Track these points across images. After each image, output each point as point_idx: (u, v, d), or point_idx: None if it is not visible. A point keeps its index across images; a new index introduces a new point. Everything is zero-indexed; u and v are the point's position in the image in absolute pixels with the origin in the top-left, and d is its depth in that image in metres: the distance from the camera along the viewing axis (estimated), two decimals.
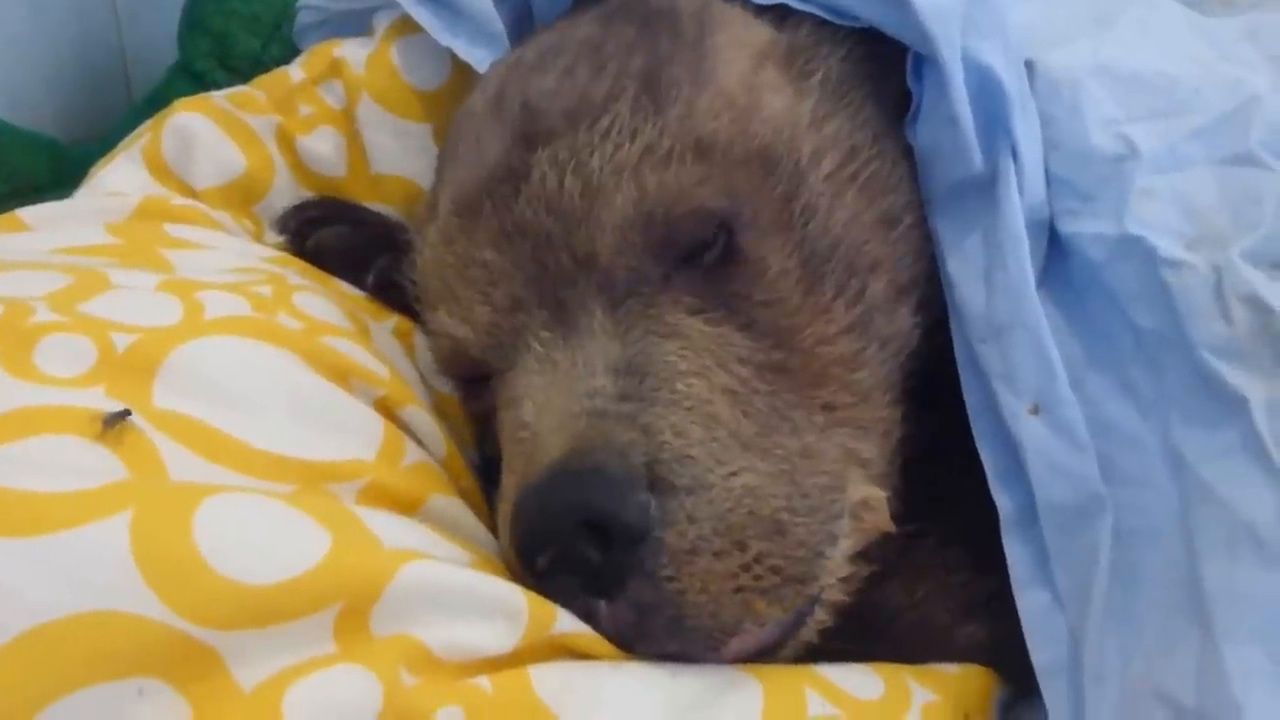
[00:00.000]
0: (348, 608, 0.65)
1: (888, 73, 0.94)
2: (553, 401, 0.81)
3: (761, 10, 0.97)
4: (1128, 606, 0.76)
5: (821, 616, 0.81)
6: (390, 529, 0.71)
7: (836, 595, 0.82)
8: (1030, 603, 0.81)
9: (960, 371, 0.87)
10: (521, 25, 1.15)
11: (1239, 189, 0.83)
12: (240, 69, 1.49)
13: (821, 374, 0.85)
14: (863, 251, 0.88)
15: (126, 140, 1.17)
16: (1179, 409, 0.78)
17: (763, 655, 0.78)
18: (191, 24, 1.55)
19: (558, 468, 0.76)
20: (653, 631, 0.74)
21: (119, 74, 1.76)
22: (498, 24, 1.15)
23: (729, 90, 0.88)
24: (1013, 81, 0.89)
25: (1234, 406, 0.75)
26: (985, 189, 0.88)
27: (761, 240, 0.85)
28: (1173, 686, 0.72)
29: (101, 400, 0.72)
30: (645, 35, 0.91)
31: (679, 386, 0.79)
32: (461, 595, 0.69)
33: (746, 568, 0.75)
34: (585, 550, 0.72)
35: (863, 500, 0.84)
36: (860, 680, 0.78)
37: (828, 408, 0.84)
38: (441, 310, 0.92)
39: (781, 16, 0.97)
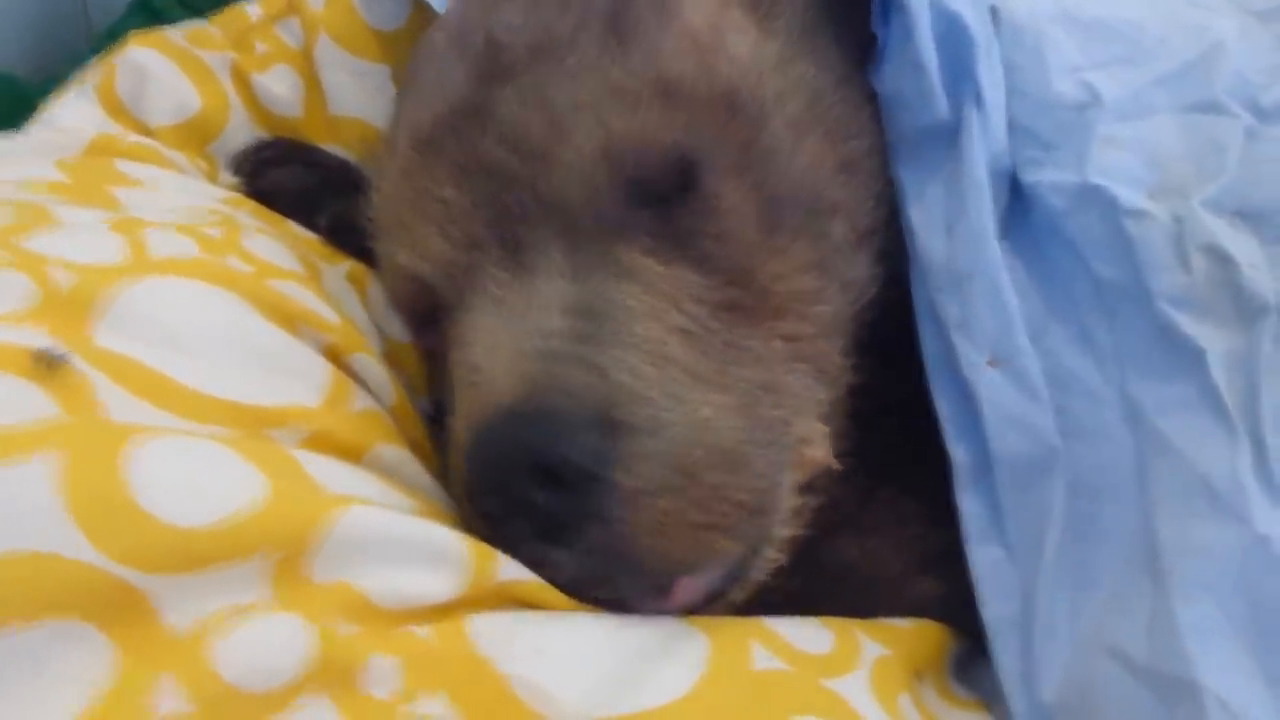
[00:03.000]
0: (285, 553, 0.63)
1: (852, 16, 0.93)
2: (504, 343, 0.79)
3: None
4: (1081, 561, 0.76)
5: (771, 554, 0.80)
6: (331, 475, 0.70)
7: (783, 530, 0.81)
8: (982, 557, 0.81)
9: (919, 321, 0.87)
10: None
11: (1203, 136, 0.83)
12: (198, 5, 1.47)
13: (780, 308, 0.84)
14: (823, 197, 0.88)
15: (80, 75, 1.15)
16: (1137, 361, 0.78)
17: (712, 600, 0.77)
18: None
19: (508, 410, 0.74)
20: (604, 575, 0.73)
21: (78, 9, 1.74)
22: None
23: (694, 30, 0.87)
24: (979, 27, 0.89)
25: (1192, 358, 0.75)
26: (948, 136, 0.88)
27: (723, 182, 0.84)
28: (1124, 641, 0.72)
29: (40, 338, 0.70)
30: None
31: (635, 329, 0.78)
32: (402, 541, 0.67)
33: (702, 505, 0.74)
34: (536, 494, 0.71)
35: (805, 435, 0.83)
36: (809, 634, 0.77)
37: (787, 338, 0.84)
38: (396, 243, 0.91)
39: None
